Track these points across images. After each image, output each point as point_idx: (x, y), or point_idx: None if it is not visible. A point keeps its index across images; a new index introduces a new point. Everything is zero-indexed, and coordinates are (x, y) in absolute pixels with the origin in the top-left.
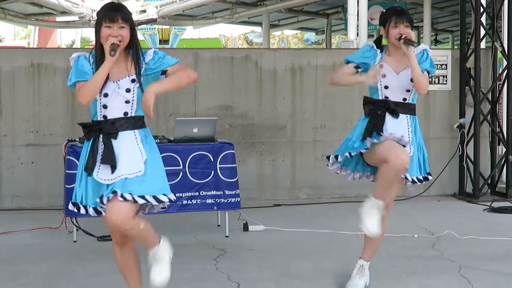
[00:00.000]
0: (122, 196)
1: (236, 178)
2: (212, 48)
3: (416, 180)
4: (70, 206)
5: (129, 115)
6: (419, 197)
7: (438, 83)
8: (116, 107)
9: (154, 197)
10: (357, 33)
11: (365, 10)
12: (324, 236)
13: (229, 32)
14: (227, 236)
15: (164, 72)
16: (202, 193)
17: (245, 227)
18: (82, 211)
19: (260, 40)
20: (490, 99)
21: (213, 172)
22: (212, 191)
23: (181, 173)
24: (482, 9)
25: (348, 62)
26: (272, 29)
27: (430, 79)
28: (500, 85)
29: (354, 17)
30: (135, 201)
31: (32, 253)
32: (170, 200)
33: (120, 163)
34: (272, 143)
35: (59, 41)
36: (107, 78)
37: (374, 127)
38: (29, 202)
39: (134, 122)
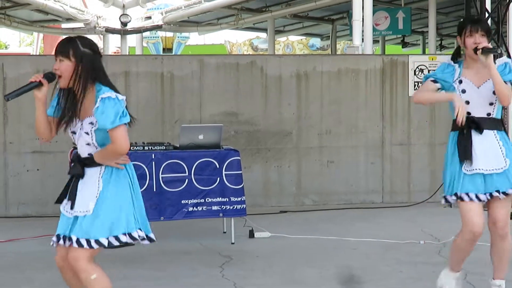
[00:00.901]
0: (78, 241)
1: (241, 185)
2: (218, 55)
3: (510, 192)
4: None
5: (92, 155)
6: (425, 203)
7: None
8: (82, 146)
9: (108, 238)
10: (362, 39)
11: (370, 15)
12: (330, 242)
13: (234, 38)
14: (233, 243)
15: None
16: (207, 200)
17: (251, 234)
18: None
19: (265, 46)
20: None
21: (218, 178)
22: (218, 198)
23: (186, 180)
24: (487, 14)
25: (427, 78)
26: (277, 35)
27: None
28: None
29: (359, 22)
30: (90, 246)
31: (37, 260)
32: (134, 239)
33: (78, 198)
34: (277, 149)
35: None
36: (75, 116)
37: (464, 155)
38: (34, 209)
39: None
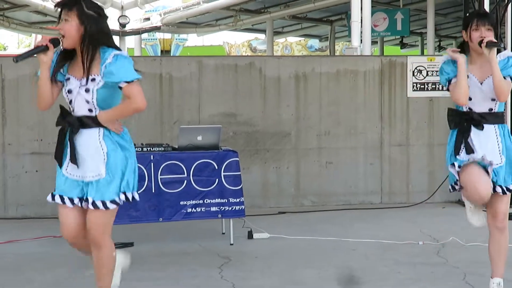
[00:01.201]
0: (94, 204)
1: (240, 186)
2: (216, 56)
3: (507, 189)
4: (49, 198)
5: (94, 113)
6: (424, 203)
7: (442, 89)
8: (80, 104)
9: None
10: (361, 40)
11: (368, 16)
12: (329, 243)
13: (233, 40)
14: (232, 244)
15: (120, 87)
16: (206, 201)
17: (250, 235)
18: (50, 197)
19: (263, 47)
20: None
21: (217, 180)
22: (217, 199)
23: (185, 181)
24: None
25: (448, 82)
26: (276, 36)
27: (434, 86)
28: None
29: (357, 23)
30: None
31: (36, 261)
32: (130, 199)
33: (84, 162)
34: (276, 150)
35: None
36: (70, 74)
37: (463, 143)
38: (33, 210)
39: (98, 121)
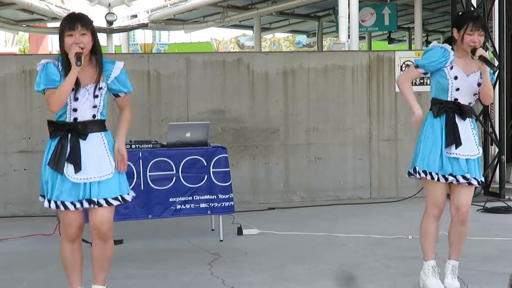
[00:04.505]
0: (107, 202)
1: (229, 182)
2: (204, 52)
3: (473, 182)
4: (40, 198)
5: (96, 118)
6: (413, 198)
7: (430, 84)
8: (85, 110)
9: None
10: (349, 35)
11: (356, 12)
12: (319, 239)
13: (221, 36)
14: (221, 240)
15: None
16: (195, 197)
17: (239, 231)
18: (46, 204)
19: (251, 43)
20: None
21: (206, 176)
22: (206, 196)
23: (174, 178)
24: (473, 10)
25: (417, 66)
26: (264, 32)
27: (422, 80)
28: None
29: (345, 19)
30: (120, 202)
31: (26, 260)
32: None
33: (88, 165)
34: (265, 146)
35: (50, 47)
36: (78, 83)
37: (452, 138)
38: (22, 209)
39: (101, 125)
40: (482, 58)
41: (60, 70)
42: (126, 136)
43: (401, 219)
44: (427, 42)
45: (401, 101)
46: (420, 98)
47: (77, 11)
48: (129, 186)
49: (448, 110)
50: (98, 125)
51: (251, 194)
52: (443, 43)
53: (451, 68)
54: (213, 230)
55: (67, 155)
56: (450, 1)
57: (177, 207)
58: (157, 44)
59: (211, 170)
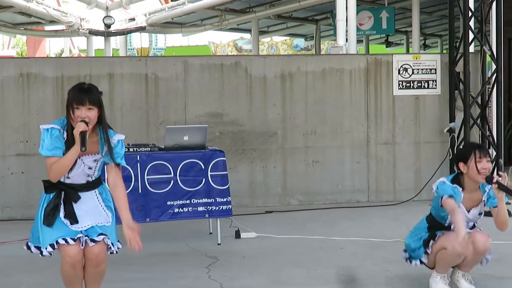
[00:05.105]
0: (104, 241)
1: (227, 186)
2: (202, 56)
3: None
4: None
5: (90, 181)
6: (410, 201)
7: (428, 87)
8: (79, 178)
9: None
10: (346, 39)
11: (353, 15)
12: (316, 242)
13: (218, 39)
14: (219, 244)
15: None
16: (193, 201)
17: (237, 234)
18: (35, 251)
19: (249, 46)
20: (480, 103)
21: (204, 179)
22: (204, 199)
23: (172, 181)
24: (470, 13)
25: (450, 196)
26: (261, 36)
27: (420, 84)
28: (489, 89)
29: (343, 22)
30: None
31: (23, 263)
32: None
33: (84, 217)
34: (263, 149)
35: (48, 50)
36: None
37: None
38: (20, 212)
39: (94, 184)
40: (502, 186)
41: (65, 138)
42: (129, 213)
43: (399, 223)
44: (425, 46)
45: (399, 105)
46: (418, 101)
47: (87, 83)
48: (127, 189)
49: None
50: (92, 186)
51: (249, 198)
52: (452, 179)
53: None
54: (211, 233)
55: (62, 213)
56: (448, 5)
57: (175, 211)
58: (154, 49)
59: (209, 173)
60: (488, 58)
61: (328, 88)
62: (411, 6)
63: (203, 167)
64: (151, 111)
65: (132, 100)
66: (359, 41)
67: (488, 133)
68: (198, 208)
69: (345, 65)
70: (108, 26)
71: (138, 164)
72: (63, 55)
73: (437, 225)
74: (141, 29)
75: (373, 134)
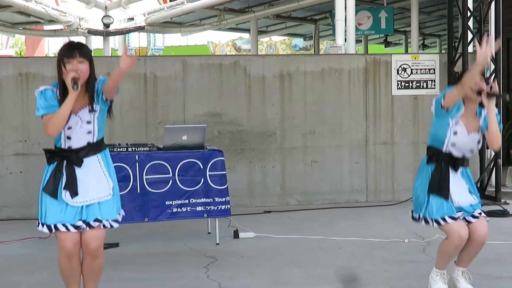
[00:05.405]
0: (103, 224)
1: (226, 185)
2: (201, 55)
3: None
4: (39, 227)
5: (91, 142)
6: (409, 202)
7: (427, 87)
8: (79, 138)
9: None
10: (345, 38)
11: (352, 15)
12: (315, 242)
13: (217, 39)
14: (218, 244)
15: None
16: (192, 200)
17: (236, 234)
18: (45, 230)
19: (248, 46)
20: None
21: (202, 179)
22: (202, 199)
23: (170, 181)
24: (469, 13)
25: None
26: (260, 35)
27: (418, 84)
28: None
29: (342, 22)
30: (111, 226)
31: (22, 263)
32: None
33: (87, 187)
34: (261, 149)
35: (46, 50)
36: (70, 112)
37: (438, 188)
38: (18, 212)
39: (97, 147)
40: (490, 94)
41: (58, 96)
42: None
43: (397, 223)
44: (424, 46)
45: (398, 105)
46: (417, 101)
47: (76, 40)
48: (125, 189)
49: (440, 161)
50: (93, 149)
51: (248, 197)
52: None
53: (456, 123)
54: (209, 233)
55: (63, 182)
56: (447, 5)
57: (174, 210)
58: (152, 49)
59: (208, 173)
60: None
61: (327, 88)
62: (410, 6)
63: (201, 167)
64: (149, 110)
65: (131, 100)
66: (358, 41)
67: None
68: (197, 208)
69: (344, 65)
70: (107, 25)
71: (137, 164)
72: None
73: (435, 152)
74: (140, 28)
75: (371, 134)
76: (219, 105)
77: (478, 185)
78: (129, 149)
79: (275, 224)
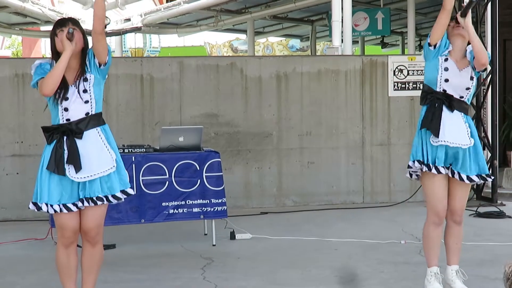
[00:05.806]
0: (106, 198)
1: (222, 187)
2: (197, 56)
3: (475, 178)
4: (31, 206)
5: (90, 114)
6: (406, 203)
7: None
8: (77, 108)
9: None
10: (342, 40)
11: (349, 16)
12: (311, 243)
13: (214, 40)
14: (214, 245)
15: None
16: (188, 202)
17: (232, 236)
18: (44, 208)
19: (245, 47)
20: (475, 104)
21: (199, 180)
22: (199, 200)
23: (167, 182)
24: None
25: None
26: (257, 36)
27: (415, 85)
28: (484, 90)
29: (338, 23)
30: (116, 198)
31: (18, 264)
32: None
33: (89, 162)
34: (258, 150)
35: (43, 51)
36: (66, 82)
37: (430, 124)
38: (14, 213)
39: (96, 120)
40: (463, 10)
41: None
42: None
43: (394, 224)
44: (420, 47)
45: (394, 106)
46: (413, 102)
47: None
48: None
49: (434, 100)
50: (93, 121)
51: (244, 199)
52: None
53: (446, 60)
54: (205, 234)
55: (66, 157)
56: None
57: (170, 212)
58: (148, 50)
59: (204, 174)
60: None
61: (323, 89)
62: (407, 7)
63: (198, 168)
64: (146, 112)
65: (127, 101)
66: (354, 42)
67: (483, 134)
68: (193, 209)
69: (340, 66)
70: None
71: (133, 165)
72: None
73: (428, 91)
74: (136, 29)
75: (368, 135)
76: (216, 106)
77: (475, 186)
78: (126, 150)
79: (272, 225)
